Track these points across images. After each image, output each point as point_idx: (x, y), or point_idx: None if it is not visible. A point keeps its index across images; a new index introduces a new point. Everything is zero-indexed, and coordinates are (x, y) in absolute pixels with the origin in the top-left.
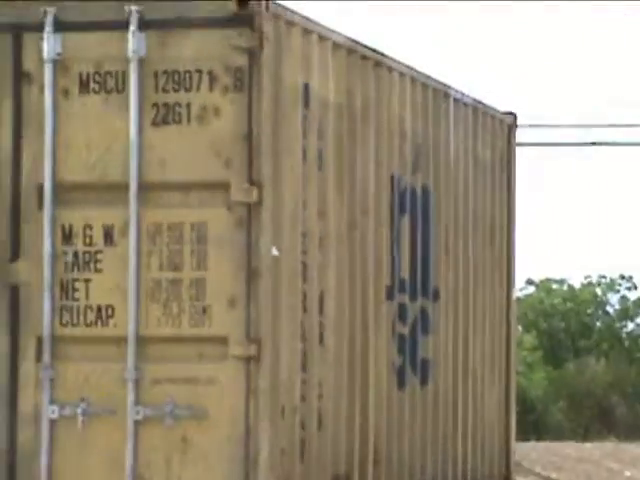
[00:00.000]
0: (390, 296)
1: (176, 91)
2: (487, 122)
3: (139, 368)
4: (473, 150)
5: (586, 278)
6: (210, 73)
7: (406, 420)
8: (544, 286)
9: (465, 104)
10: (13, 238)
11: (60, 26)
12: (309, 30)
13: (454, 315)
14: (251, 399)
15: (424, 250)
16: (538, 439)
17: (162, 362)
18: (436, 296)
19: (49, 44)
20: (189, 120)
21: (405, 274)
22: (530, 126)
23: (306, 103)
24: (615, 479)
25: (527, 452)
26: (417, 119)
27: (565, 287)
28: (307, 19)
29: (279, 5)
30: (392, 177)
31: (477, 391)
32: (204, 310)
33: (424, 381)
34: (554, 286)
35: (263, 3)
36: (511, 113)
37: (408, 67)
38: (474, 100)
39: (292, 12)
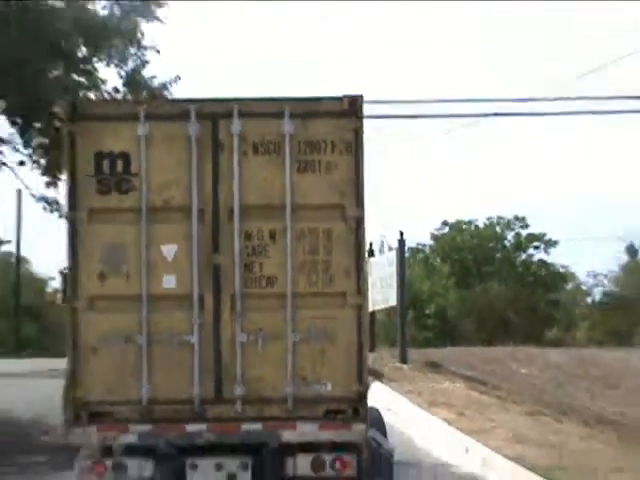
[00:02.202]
0: None
1: (311, 153)
2: None
3: (294, 311)
4: None
5: (488, 219)
6: (332, 143)
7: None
8: (456, 226)
9: None
10: (214, 239)
11: (241, 114)
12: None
13: None
14: (362, 329)
15: None
16: (453, 345)
17: (307, 308)
18: None
19: (235, 125)
20: (320, 170)
21: None
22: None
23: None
24: (514, 375)
25: (445, 355)
26: None
27: (472, 227)
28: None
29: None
30: None
31: None
32: (331, 278)
33: None
34: (464, 226)
35: (361, 103)
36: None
37: None
38: None
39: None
